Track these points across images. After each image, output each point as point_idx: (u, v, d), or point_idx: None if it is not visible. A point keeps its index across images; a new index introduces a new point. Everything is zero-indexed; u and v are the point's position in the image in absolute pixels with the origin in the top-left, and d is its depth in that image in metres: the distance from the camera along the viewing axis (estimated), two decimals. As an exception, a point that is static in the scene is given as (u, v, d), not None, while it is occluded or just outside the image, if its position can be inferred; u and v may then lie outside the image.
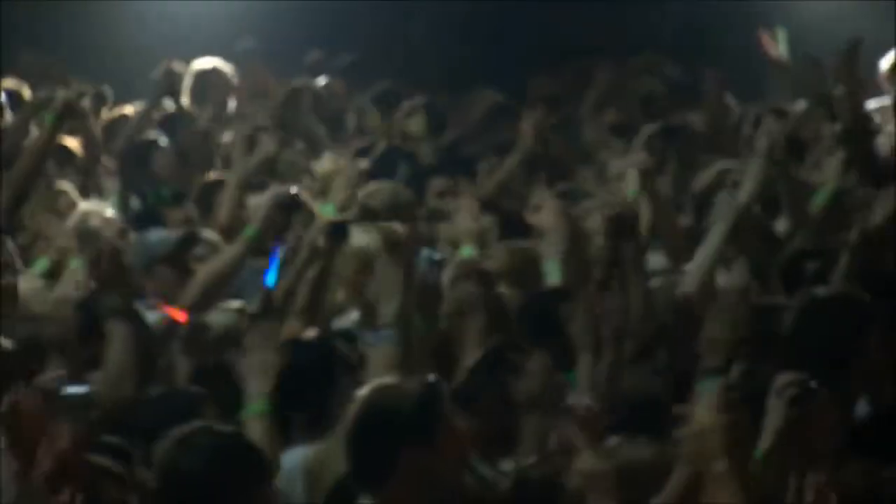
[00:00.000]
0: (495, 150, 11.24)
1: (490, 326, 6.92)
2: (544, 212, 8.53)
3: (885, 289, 7.06)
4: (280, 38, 14.39)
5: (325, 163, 10.21)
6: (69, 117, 9.37)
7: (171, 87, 12.05)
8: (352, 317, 7.77)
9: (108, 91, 11.34)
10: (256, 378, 5.97)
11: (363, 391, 5.27)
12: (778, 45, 13.33)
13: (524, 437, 6.07)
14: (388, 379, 5.47)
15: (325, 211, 8.45)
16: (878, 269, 7.66)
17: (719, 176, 9.57)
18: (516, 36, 15.84)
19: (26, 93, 11.68)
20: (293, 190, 8.36)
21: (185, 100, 11.88)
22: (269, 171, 10.09)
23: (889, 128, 10.92)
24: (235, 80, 12.15)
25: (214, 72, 11.95)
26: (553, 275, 7.77)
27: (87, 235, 8.33)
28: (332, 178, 9.59)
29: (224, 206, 9.48)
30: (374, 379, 5.77)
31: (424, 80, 13.82)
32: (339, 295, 7.93)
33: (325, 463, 5.73)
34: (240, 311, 7.10)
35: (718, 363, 5.91)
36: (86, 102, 10.03)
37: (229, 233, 8.91)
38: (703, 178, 9.73)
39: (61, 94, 9.29)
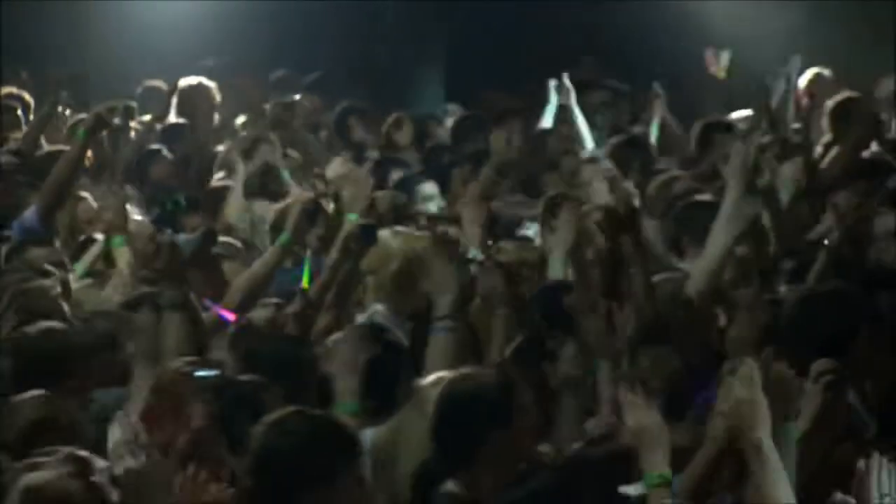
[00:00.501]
0: (467, 159, 11.40)
1: (513, 319, 7.10)
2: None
3: (866, 283, 7.36)
4: (246, 57, 14.58)
5: (336, 168, 10.38)
6: (100, 130, 9.66)
7: (154, 102, 12.41)
8: (371, 310, 7.91)
9: (135, 105, 11.20)
10: (346, 376, 6.18)
11: (446, 380, 5.51)
12: (720, 64, 13.93)
13: (562, 420, 6.22)
14: (464, 368, 5.71)
15: (351, 218, 8.51)
16: (854, 266, 7.93)
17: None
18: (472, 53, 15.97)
19: (30, 102, 12.15)
20: (314, 196, 8.71)
21: (173, 113, 12.14)
22: (271, 179, 10.32)
23: (824, 138, 11.32)
24: (218, 95, 12.25)
25: (200, 87, 12.09)
26: (556, 270, 8.00)
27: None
28: (344, 183, 9.55)
29: (231, 209, 9.77)
30: (433, 366, 6.12)
31: (387, 96, 14.06)
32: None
33: (393, 445, 5.84)
34: (277, 308, 7.29)
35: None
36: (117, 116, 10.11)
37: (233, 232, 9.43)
38: (678, 186, 9.99)
39: (94, 109, 9.59)
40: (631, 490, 5.16)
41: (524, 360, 6.58)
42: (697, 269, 7.28)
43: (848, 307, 6.72)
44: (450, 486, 5.28)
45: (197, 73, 12.94)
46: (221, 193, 10.01)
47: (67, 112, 12.41)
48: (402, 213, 9.37)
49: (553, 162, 11.55)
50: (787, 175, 9.73)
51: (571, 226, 8.24)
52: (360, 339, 6.48)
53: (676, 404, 5.85)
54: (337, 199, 9.32)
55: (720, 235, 7.36)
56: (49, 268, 8.35)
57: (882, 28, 14.75)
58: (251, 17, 15.81)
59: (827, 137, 11.48)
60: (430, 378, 5.83)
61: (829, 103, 12.06)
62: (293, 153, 11.46)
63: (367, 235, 7.82)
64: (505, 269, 7.73)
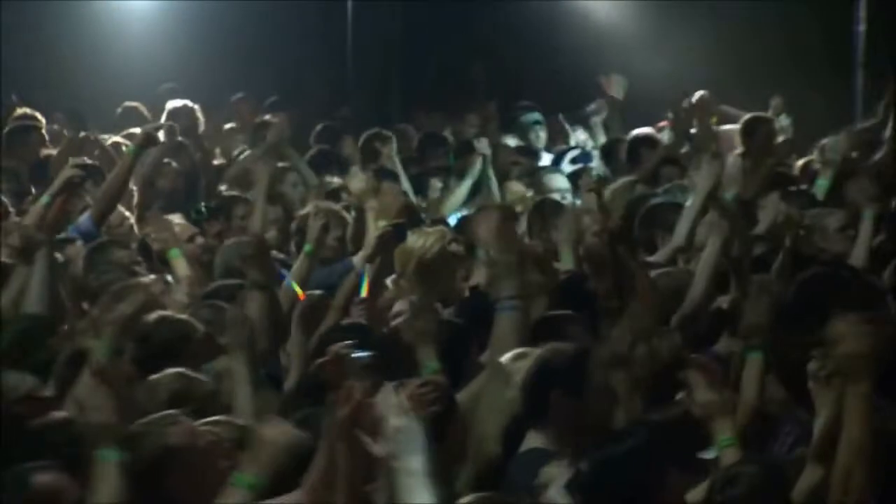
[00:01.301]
0: (432, 172, 12.04)
1: (549, 305, 7.47)
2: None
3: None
4: (205, 83, 14.76)
5: (355, 181, 10.50)
6: (149, 147, 10.13)
7: (132, 120, 13.02)
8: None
9: (175, 127, 11.57)
10: (426, 343, 6.63)
11: (538, 352, 6.03)
12: (615, 88, 14.36)
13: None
14: (557, 344, 6.18)
15: (380, 224, 9.09)
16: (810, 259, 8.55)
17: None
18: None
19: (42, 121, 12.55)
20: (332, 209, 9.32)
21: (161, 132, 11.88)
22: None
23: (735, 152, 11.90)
24: (200, 115, 12.70)
25: (185, 108, 12.55)
26: (566, 261, 8.55)
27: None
28: (367, 195, 9.95)
29: (255, 219, 9.89)
30: (503, 342, 6.53)
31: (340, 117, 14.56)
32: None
33: (473, 410, 6.24)
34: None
35: (760, 343, 6.57)
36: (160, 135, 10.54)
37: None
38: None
39: (143, 129, 10.24)
40: (707, 454, 5.61)
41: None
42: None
43: (839, 287, 7.29)
44: (535, 440, 5.77)
45: (159, 95, 13.81)
46: (233, 202, 10.29)
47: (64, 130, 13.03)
48: (410, 214, 9.85)
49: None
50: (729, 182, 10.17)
51: (573, 224, 8.81)
52: (429, 310, 6.96)
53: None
54: (360, 210, 9.82)
55: (708, 254, 7.87)
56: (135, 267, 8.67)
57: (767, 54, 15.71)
58: (208, 47, 16.25)
59: (739, 150, 12.08)
60: (510, 354, 6.24)
61: (742, 121, 12.88)
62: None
63: (399, 235, 8.46)
64: (544, 262, 8.08)
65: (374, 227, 9.30)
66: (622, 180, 11.15)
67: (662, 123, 14.06)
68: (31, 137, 12.37)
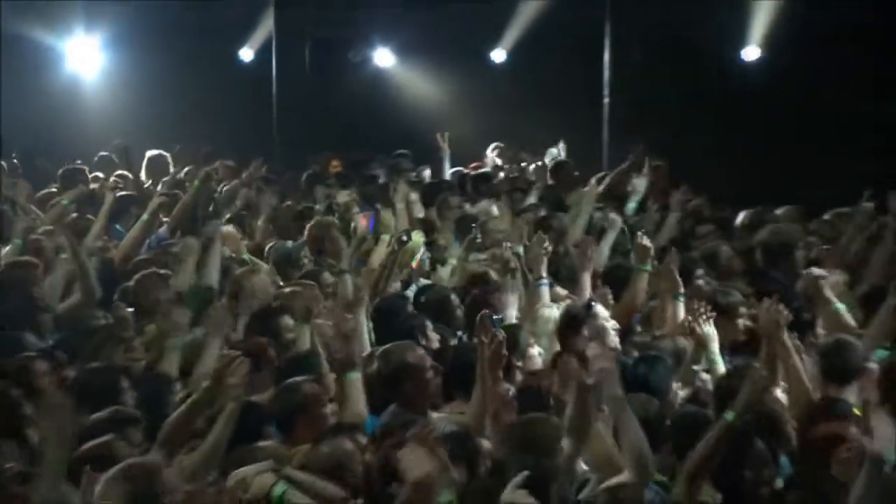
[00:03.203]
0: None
1: None
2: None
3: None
4: (150, 136, 14.95)
5: (342, 196, 11.23)
6: (209, 183, 11.05)
7: (107, 167, 13.69)
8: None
9: (222, 169, 12.38)
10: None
11: None
12: (444, 141, 15.12)
13: None
14: None
15: (385, 238, 9.74)
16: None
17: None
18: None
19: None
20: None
21: (143, 173, 13.05)
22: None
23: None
24: (170, 161, 13.43)
25: (160, 156, 13.46)
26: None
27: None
28: (350, 206, 10.82)
29: (258, 234, 10.98)
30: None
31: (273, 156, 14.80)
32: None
33: None
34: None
35: None
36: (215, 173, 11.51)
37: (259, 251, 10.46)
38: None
39: (204, 170, 11.21)
40: None
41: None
42: None
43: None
44: None
45: (110, 149, 14.19)
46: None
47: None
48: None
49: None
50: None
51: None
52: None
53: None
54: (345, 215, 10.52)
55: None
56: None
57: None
58: (152, 106, 16.65)
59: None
60: None
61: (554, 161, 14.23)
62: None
63: (407, 237, 9.22)
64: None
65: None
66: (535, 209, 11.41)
67: (474, 164, 15.37)
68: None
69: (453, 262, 9.91)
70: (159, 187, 12.44)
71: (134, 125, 15.84)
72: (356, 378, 6.61)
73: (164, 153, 13.62)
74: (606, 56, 16.25)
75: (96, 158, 14.26)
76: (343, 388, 6.58)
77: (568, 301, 8.42)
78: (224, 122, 16.10)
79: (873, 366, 7.02)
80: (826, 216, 11.66)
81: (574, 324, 7.47)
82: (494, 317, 6.93)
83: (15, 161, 13.85)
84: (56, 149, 15.16)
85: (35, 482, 5.04)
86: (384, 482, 5.10)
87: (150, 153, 13.52)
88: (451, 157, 15.19)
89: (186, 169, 13.41)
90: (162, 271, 8.61)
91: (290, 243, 10.09)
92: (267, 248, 10.20)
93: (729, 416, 5.64)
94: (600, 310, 7.55)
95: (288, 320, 7.68)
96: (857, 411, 6.07)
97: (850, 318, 8.17)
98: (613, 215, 10.46)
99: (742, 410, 5.62)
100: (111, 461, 5.28)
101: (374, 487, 5.25)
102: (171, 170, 13.28)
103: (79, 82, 17.31)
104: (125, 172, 13.05)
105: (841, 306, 8.21)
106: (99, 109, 16.86)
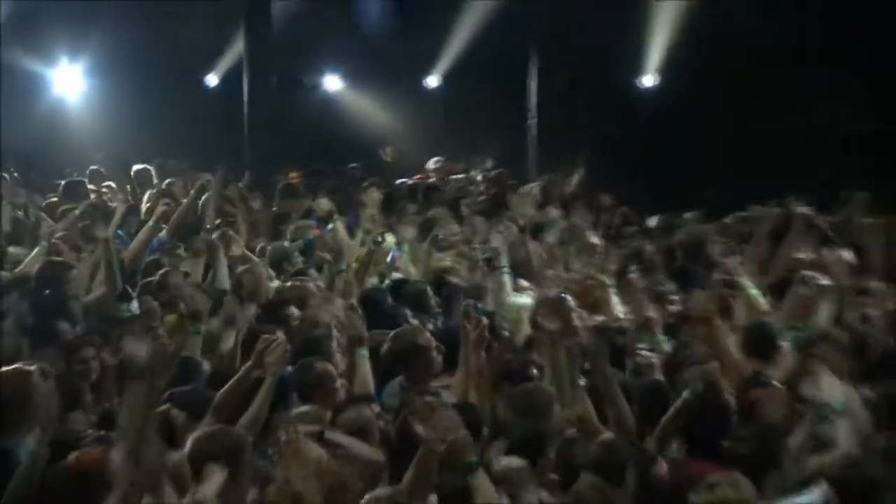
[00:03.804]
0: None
1: None
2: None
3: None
4: (130, 152, 14.86)
5: (323, 204, 11.06)
6: (204, 193, 10.91)
7: (96, 179, 13.35)
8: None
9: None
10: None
11: None
12: (389, 155, 15.78)
13: None
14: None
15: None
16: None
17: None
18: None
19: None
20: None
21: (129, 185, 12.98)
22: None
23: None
24: (154, 174, 13.38)
25: (145, 169, 13.45)
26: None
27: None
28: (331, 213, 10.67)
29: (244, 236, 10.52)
30: None
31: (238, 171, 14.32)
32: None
33: None
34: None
35: None
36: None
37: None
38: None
39: (200, 180, 11.06)
40: None
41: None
42: None
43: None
44: None
45: (95, 163, 14.26)
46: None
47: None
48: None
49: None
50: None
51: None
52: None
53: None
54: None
55: None
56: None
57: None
58: (132, 123, 16.55)
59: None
60: None
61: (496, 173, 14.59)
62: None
63: (382, 239, 9.44)
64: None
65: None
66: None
67: (418, 176, 15.45)
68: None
69: (402, 255, 10.04)
70: (146, 196, 12.50)
71: (114, 143, 15.85)
72: (364, 355, 6.78)
73: (149, 167, 13.64)
74: (530, 82, 16.40)
75: (88, 171, 14.16)
76: (353, 364, 6.74)
77: (530, 291, 8.62)
78: (196, 139, 16.13)
79: (786, 344, 7.22)
80: (727, 219, 11.80)
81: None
82: (479, 305, 7.21)
83: (15, 175, 13.78)
84: (46, 163, 15.21)
85: (116, 444, 5.04)
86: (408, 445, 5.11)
87: (136, 167, 13.55)
88: (395, 169, 15.49)
89: (168, 180, 13.33)
90: (181, 268, 8.72)
91: (286, 244, 10.18)
92: (259, 248, 10.27)
93: (686, 393, 5.91)
94: (570, 300, 7.68)
95: (294, 310, 7.80)
96: (775, 383, 6.48)
97: (763, 303, 8.31)
98: (553, 212, 10.65)
99: (697, 387, 5.91)
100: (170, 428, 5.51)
101: (398, 449, 5.36)
102: (155, 181, 13.25)
103: (64, 104, 17.52)
104: (111, 183, 13.12)
105: (755, 292, 8.33)
106: (82, 128, 16.98)
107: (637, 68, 16.63)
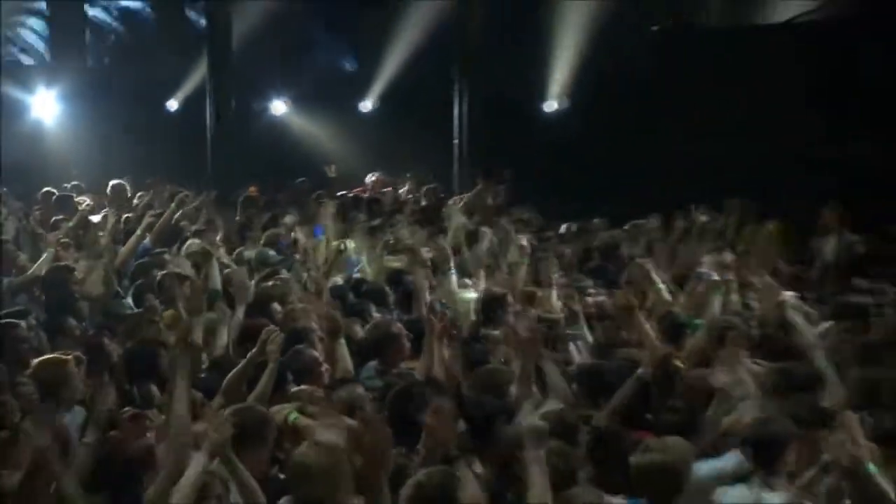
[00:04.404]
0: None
1: None
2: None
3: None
4: (101, 169, 15.08)
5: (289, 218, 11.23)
6: (182, 207, 11.09)
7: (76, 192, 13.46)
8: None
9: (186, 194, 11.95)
10: None
11: None
12: (332, 171, 15.38)
13: None
14: None
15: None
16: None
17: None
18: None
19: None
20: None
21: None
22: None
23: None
24: (129, 189, 13.37)
25: (120, 184, 13.41)
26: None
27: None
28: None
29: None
30: None
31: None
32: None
33: None
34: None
35: None
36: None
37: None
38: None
39: (178, 197, 11.20)
40: None
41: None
42: None
43: None
44: None
45: (70, 179, 14.38)
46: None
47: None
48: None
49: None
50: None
51: None
52: None
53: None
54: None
55: None
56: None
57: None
58: (102, 144, 16.69)
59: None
60: None
61: (427, 188, 14.39)
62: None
63: (344, 246, 9.65)
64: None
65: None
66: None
67: (358, 189, 15.37)
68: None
69: (362, 259, 10.20)
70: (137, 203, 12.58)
71: (87, 161, 16.09)
72: (342, 343, 7.02)
73: (124, 182, 13.60)
74: (455, 106, 16.39)
75: (68, 186, 14.16)
76: (333, 350, 6.97)
77: (471, 289, 8.87)
78: (161, 159, 15.98)
79: (688, 331, 7.52)
80: (626, 226, 11.85)
81: (495, 305, 7.90)
82: (443, 301, 7.50)
83: (5, 189, 13.48)
84: (26, 180, 14.98)
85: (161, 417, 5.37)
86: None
87: (112, 182, 13.50)
88: (338, 183, 15.31)
89: (140, 193, 13.38)
90: (177, 270, 8.91)
91: (271, 252, 10.32)
92: (236, 253, 10.40)
93: (639, 371, 6.17)
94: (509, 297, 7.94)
95: (276, 305, 8.05)
96: (679, 363, 6.67)
97: (668, 295, 8.53)
98: (484, 229, 10.80)
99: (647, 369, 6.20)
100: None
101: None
102: (128, 195, 13.31)
103: (42, 127, 17.47)
104: (86, 198, 13.12)
105: (662, 286, 8.55)
106: (58, 148, 16.96)
107: (549, 93, 16.59)
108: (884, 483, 4.39)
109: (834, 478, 4.86)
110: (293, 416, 5.77)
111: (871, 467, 4.38)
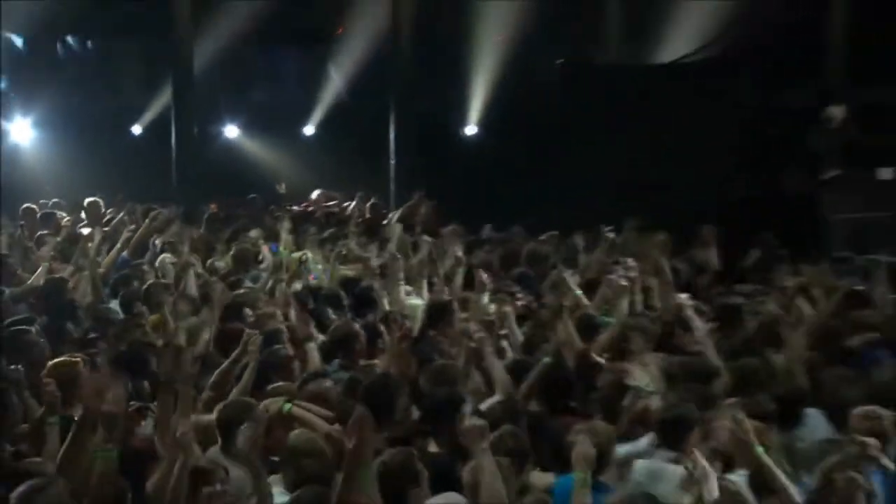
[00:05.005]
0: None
1: None
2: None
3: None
4: (75, 188, 14.60)
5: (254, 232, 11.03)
6: (163, 227, 11.00)
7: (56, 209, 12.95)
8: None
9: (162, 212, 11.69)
10: None
11: None
12: (283, 188, 15.56)
13: None
14: None
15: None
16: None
17: None
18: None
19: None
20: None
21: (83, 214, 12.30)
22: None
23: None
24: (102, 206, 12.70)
25: (95, 201, 12.77)
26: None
27: None
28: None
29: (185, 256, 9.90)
30: None
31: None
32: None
33: None
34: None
35: None
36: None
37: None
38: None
39: (153, 213, 11.13)
40: None
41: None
42: None
43: None
44: None
45: (44, 198, 13.76)
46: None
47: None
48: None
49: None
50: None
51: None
52: None
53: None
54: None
55: None
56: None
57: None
58: (76, 166, 16.26)
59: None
60: None
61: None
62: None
63: (305, 258, 9.48)
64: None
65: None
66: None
67: (304, 204, 15.37)
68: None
69: (319, 268, 10.02)
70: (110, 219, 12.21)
71: (59, 181, 15.79)
72: (312, 345, 7.13)
73: (99, 200, 13.08)
74: (390, 130, 16.35)
75: (49, 203, 13.79)
76: (302, 350, 7.07)
77: (414, 295, 8.97)
78: (127, 180, 15.47)
79: (601, 329, 7.64)
80: (542, 237, 11.77)
81: (441, 310, 7.92)
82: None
83: None
84: (9, 199, 14.11)
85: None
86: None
87: (87, 200, 13.01)
88: (287, 199, 15.47)
89: (111, 209, 13.03)
90: (163, 280, 8.91)
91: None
92: (209, 263, 10.35)
93: (546, 359, 6.40)
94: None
95: (248, 311, 7.99)
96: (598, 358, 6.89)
97: (584, 299, 8.59)
98: (425, 237, 10.77)
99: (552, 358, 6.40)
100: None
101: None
102: (102, 211, 12.82)
103: (18, 150, 17.08)
104: (63, 214, 12.95)
105: (578, 292, 8.63)
106: (33, 170, 16.63)
107: (469, 118, 16.78)
108: (769, 460, 4.69)
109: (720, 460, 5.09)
110: (287, 406, 5.82)
111: (759, 449, 4.69)
